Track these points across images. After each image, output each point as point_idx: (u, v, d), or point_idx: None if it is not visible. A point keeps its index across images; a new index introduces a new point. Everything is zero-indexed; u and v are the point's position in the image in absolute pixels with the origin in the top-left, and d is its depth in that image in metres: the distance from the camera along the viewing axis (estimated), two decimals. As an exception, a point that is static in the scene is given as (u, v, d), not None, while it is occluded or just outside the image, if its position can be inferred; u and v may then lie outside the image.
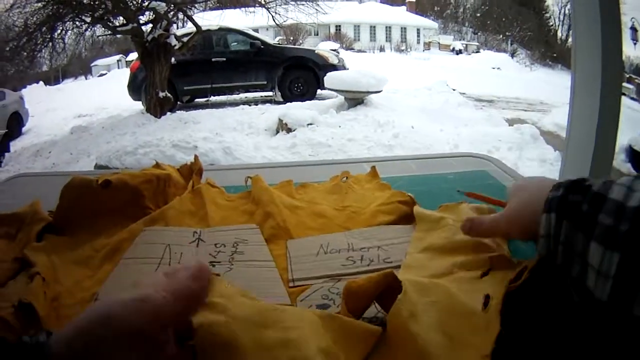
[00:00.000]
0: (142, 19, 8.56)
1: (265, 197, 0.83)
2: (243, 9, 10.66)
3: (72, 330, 0.37)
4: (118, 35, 9.56)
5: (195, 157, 0.96)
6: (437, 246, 0.63)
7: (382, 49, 30.31)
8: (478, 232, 0.60)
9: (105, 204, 0.78)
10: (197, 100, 10.51)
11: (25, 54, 8.82)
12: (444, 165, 1.13)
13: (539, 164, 5.47)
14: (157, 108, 8.27)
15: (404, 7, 36.40)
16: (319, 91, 9.85)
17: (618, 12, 1.43)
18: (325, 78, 8.23)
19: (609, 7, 1.40)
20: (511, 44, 33.47)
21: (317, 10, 10.61)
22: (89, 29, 9.08)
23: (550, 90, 13.04)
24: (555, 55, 30.67)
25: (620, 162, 5.27)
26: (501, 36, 35.60)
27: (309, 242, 0.73)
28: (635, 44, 18.43)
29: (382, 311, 0.53)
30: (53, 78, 22.28)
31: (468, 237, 0.61)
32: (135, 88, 9.50)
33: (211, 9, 12.09)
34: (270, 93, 10.23)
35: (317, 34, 28.51)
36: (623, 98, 1.56)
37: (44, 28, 8.43)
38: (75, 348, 0.36)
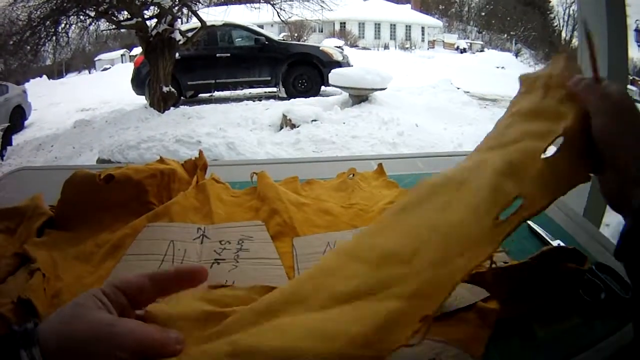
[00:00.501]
0: (147, 13, 8.53)
1: (271, 194, 0.82)
2: (248, 4, 10.63)
3: (61, 332, 0.36)
4: (122, 30, 9.52)
5: (200, 152, 0.95)
6: (523, 111, 0.58)
7: (386, 47, 30.23)
8: (575, 86, 0.52)
9: (108, 199, 0.77)
10: (200, 95, 10.50)
11: (28, 47, 8.79)
12: (450, 164, 1.11)
13: (543, 163, 5.44)
14: (160, 103, 8.25)
15: (408, 5, 36.32)
16: (323, 88, 9.82)
17: (624, 15, 1.42)
18: (329, 75, 8.18)
19: (615, 10, 1.40)
20: (515, 44, 33.38)
21: (322, 7, 10.55)
22: (93, 23, 9.05)
23: (554, 90, 12.97)
24: (559, 55, 30.56)
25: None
26: (505, 35, 35.53)
27: (315, 239, 0.72)
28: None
29: None
30: (56, 72, 22.27)
31: (552, 102, 0.54)
32: (139, 83, 9.47)
33: (216, 4, 12.05)
34: (274, 89, 10.20)
35: (322, 31, 28.43)
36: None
37: (48, 22, 8.40)
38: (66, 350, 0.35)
